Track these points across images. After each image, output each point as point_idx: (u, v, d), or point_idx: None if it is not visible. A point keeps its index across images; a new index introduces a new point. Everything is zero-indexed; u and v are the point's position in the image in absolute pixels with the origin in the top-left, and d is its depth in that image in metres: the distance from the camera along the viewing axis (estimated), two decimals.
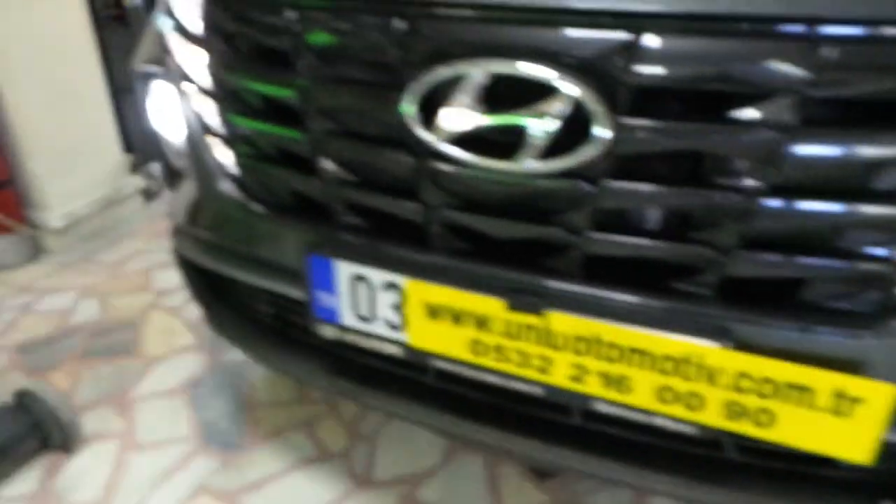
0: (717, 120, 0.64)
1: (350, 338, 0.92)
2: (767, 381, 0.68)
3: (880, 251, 0.65)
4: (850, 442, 0.68)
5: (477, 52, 0.69)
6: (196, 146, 1.02)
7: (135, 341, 1.68)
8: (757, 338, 0.69)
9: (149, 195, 2.50)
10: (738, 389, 0.70)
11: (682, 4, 0.61)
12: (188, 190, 1.09)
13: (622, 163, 0.67)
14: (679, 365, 0.72)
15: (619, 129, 0.65)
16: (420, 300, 0.83)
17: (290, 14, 0.80)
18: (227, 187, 0.99)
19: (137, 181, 2.42)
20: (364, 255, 0.85)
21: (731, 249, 0.68)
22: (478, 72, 0.69)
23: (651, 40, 0.62)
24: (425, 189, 0.78)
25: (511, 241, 0.78)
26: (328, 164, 0.85)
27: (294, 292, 0.96)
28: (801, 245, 0.67)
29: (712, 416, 0.73)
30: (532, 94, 0.67)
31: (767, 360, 0.68)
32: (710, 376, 0.71)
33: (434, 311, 0.83)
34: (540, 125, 0.68)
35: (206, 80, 0.93)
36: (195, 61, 0.95)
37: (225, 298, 1.19)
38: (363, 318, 0.89)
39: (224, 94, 0.91)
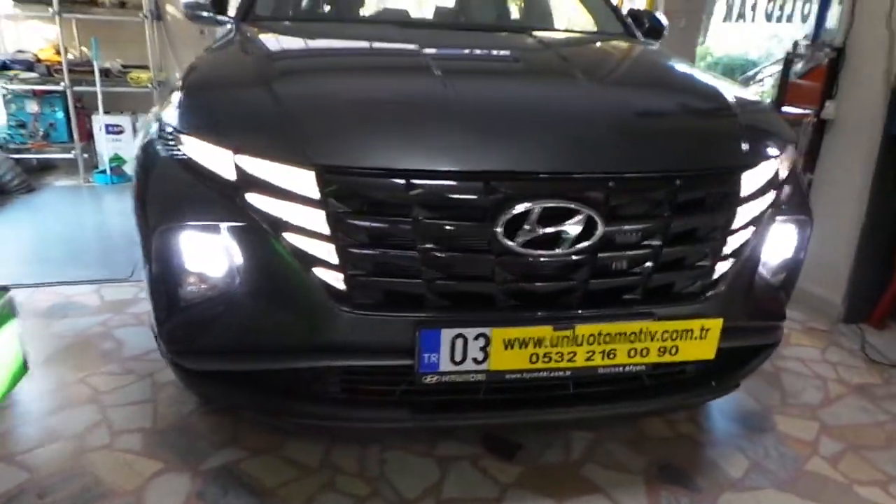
0: (643, 218, 1.40)
1: (445, 378, 1.40)
2: (675, 331, 1.45)
3: (703, 263, 1.49)
4: (707, 350, 1.49)
5: (535, 197, 1.32)
6: (283, 276, 1.36)
7: (95, 484, 1.67)
8: (666, 313, 1.46)
9: None
10: (663, 339, 1.46)
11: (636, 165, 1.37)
12: (257, 312, 1.39)
13: (604, 243, 1.38)
14: (637, 335, 1.44)
15: (605, 229, 1.36)
16: (500, 339, 1.38)
17: (400, 182, 1.30)
18: (328, 298, 1.36)
19: None
20: (461, 322, 1.36)
21: (650, 274, 1.44)
22: (538, 207, 1.32)
23: (617, 185, 1.35)
24: (500, 273, 1.36)
25: (549, 293, 1.41)
26: (431, 271, 1.35)
27: (394, 361, 1.39)
28: (678, 265, 1.48)
29: (653, 357, 1.47)
30: (559, 215, 1.33)
31: (673, 321, 1.45)
32: (651, 336, 1.45)
33: (508, 343, 1.38)
34: (572, 230, 1.34)
35: (320, 228, 1.31)
36: (302, 216, 1.32)
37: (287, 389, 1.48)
38: (456, 363, 1.38)
39: (343, 236, 1.31)
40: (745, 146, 1.53)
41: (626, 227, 1.41)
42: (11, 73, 4.82)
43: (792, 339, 2.72)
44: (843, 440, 2.01)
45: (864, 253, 2.81)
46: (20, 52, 5.02)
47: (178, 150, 1.45)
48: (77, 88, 4.83)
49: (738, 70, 7.54)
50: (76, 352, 2.37)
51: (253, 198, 1.35)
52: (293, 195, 1.33)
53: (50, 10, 4.71)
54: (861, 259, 2.82)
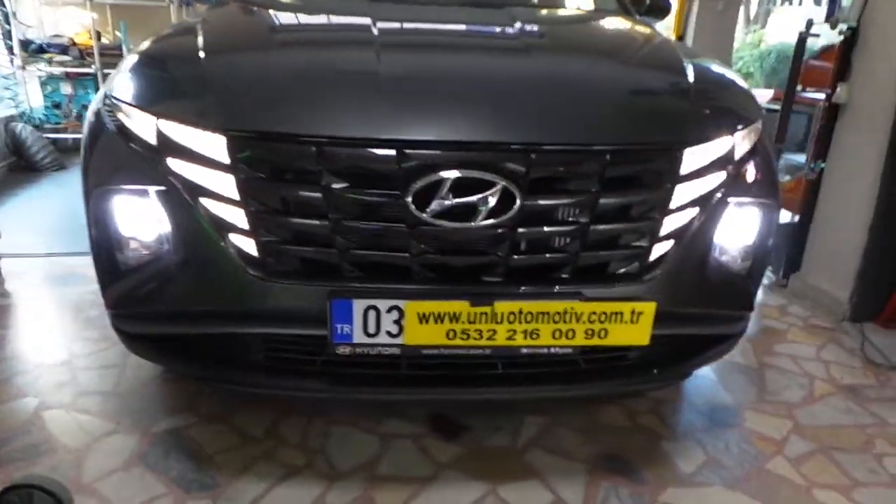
0: (567, 193, 1.35)
1: (359, 350, 1.38)
2: (603, 313, 1.39)
3: (638, 243, 1.42)
4: (640, 335, 1.42)
5: (448, 166, 1.28)
6: (201, 241, 1.37)
7: (45, 440, 1.74)
8: (594, 294, 1.41)
9: None
10: (591, 321, 1.40)
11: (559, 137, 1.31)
12: (180, 276, 1.41)
13: (525, 217, 1.33)
14: (562, 315, 1.39)
15: (524, 202, 1.31)
16: (414, 312, 1.35)
17: (310, 149, 1.28)
18: (242, 264, 1.36)
19: None
20: (373, 293, 1.34)
21: (578, 252, 1.39)
22: (449, 176, 1.28)
23: (539, 157, 1.30)
24: (415, 245, 1.33)
25: (467, 267, 1.37)
26: (343, 240, 1.33)
27: (308, 331, 1.38)
28: (608, 245, 1.41)
29: (580, 339, 1.41)
30: (476, 187, 1.29)
31: (602, 303, 1.39)
32: (577, 317, 1.39)
33: (423, 317, 1.36)
34: (486, 202, 1.30)
35: (232, 193, 1.32)
36: (216, 182, 1.32)
37: (211, 354, 1.50)
38: (370, 335, 1.37)
39: (254, 203, 1.32)
40: (689, 122, 1.45)
41: (547, 202, 1.35)
42: (47, 56, 5.05)
43: (789, 334, 2.58)
44: (816, 441, 1.89)
45: (874, 247, 2.64)
46: (56, 36, 5.26)
47: (115, 116, 1.48)
48: (107, 71, 5.01)
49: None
50: (63, 318, 2.47)
51: (173, 163, 1.36)
52: (208, 160, 1.33)
53: None
54: (871, 254, 2.65)
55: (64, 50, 5.08)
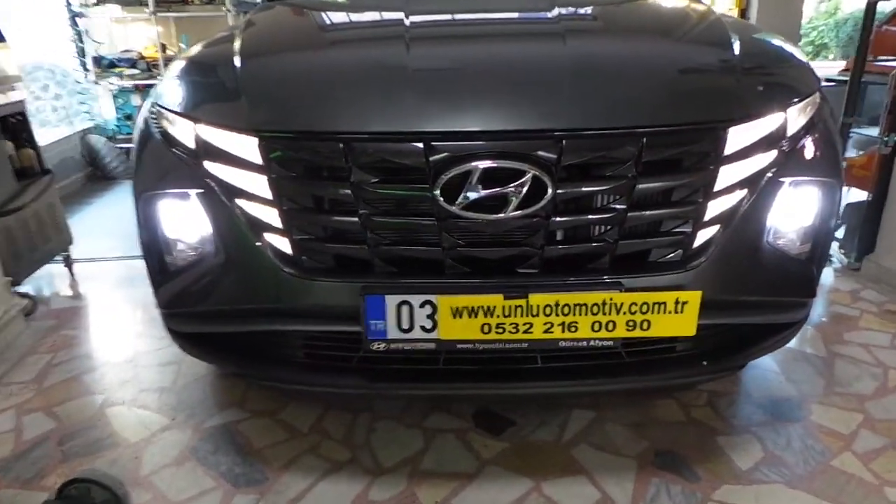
0: (602, 179, 1.30)
1: (394, 346, 1.38)
2: (645, 303, 1.34)
3: (680, 229, 1.36)
4: (685, 325, 1.36)
5: (476, 157, 1.26)
6: (239, 241, 1.40)
7: (109, 435, 1.83)
8: (635, 283, 1.35)
9: (28, 313, 2.50)
10: (632, 312, 1.34)
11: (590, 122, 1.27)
12: (220, 276, 1.45)
13: (558, 206, 1.29)
14: (601, 306, 1.34)
15: (556, 191, 1.27)
16: (447, 307, 1.33)
17: (339, 146, 1.28)
18: (277, 262, 1.38)
19: (18, 301, 2.42)
20: (405, 288, 1.33)
21: (616, 241, 1.33)
22: (477, 166, 1.26)
23: (570, 143, 1.26)
24: (446, 238, 1.31)
25: (500, 259, 1.35)
26: (374, 236, 1.33)
27: (344, 328, 1.39)
28: (648, 232, 1.35)
29: (621, 332, 1.36)
30: (507, 177, 1.26)
31: (643, 293, 1.33)
32: (617, 308, 1.34)
33: (457, 312, 1.34)
34: (517, 192, 1.27)
35: (266, 193, 1.34)
36: (251, 182, 1.35)
37: (258, 352, 1.53)
38: (404, 330, 1.36)
39: (287, 202, 1.34)
40: (732, 99, 1.37)
41: (581, 190, 1.31)
42: (118, 70, 5.32)
43: (861, 321, 2.41)
44: (889, 435, 1.75)
45: None
46: (126, 51, 5.53)
47: (159, 123, 1.53)
48: None
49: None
50: (130, 317, 2.60)
51: (211, 166, 1.40)
52: (243, 162, 1.36)
53: (146, 10, 5.13)
54: None
55: (133, 64, 5.33)
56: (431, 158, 1.27)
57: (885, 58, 2.70)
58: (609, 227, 1.34)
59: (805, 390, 1.97)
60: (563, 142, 1.27)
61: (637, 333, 1.36)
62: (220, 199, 1.40)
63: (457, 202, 1.28)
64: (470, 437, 1.77)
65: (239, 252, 1.42)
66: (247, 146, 1.35)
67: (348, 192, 1.30)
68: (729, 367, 1.56)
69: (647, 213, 1.34)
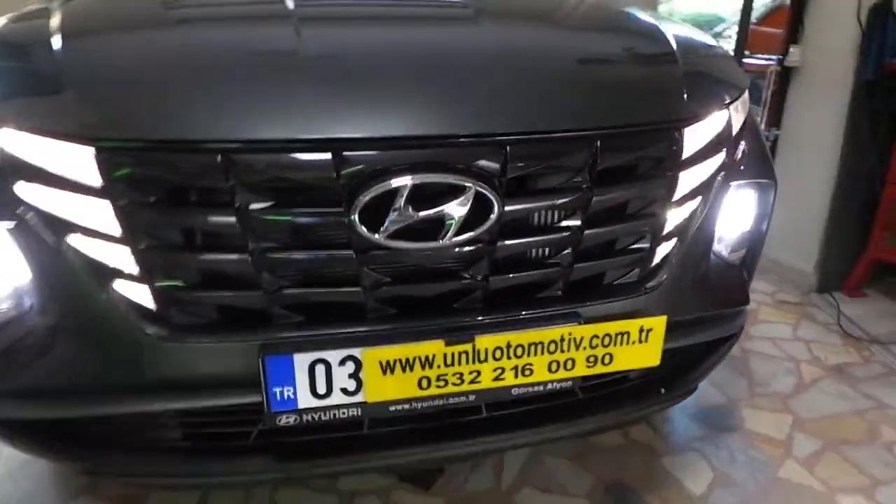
0: (553, 192, 1.07)
1: (307, 417, 1.06)
2: (607, 335, 1.13)
3: (639, 245, 1.17)
4: (649, 355, 1.17)
5: (403, 171, 0.97)
6: (75, 293, 1.01)
7: None
8: (593, 313, 1.14)
9: None
10: (592, 346, 1.14)
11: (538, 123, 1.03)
12: (47, 341, 1.04)
13: (505, 226, 1.04)
14: (559, 343, 1.11)
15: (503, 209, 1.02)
16: (374, 362, 1.04)
17: (216, 158, 0.94)
18: (134, 321, 1.01)
19: None
20: (319, 343, 1.02)
21: (571, 264, 1.11)
22: (406, 183, 0.97)
23: (516, 150, 1.01)
24: (367, 275, 1.02)
25: (437, 297, 1.07)
26: (271, 277, 1.00)
27: (237, 400, 1.05)
28: (605, 251, 1.15)
29: (581, 369, 1.14)
30: (441, 195, 0.99)
31: (604, 324, 1.13)
32: (577, 344, 1.12)
33: (387, 367, 1.05)
34: (456, 212, 1.00)
35: (110, 226, 0.96)
36: (87, 211, 0.96)
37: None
38: (320, 396, 1.05)
39: (143, 237, 0.96)
40: (686, 95, 1.20)
41: (531, 206, 1.07)
42: None
43: (760, 314, 2.44)
44: (821, 436, 1.72)
45: (837, 215, 2.53)
46: None
47: None
48: None
49: (706, 27, 7.25)
50: None
51: (24, 188, 0.99)
52: (73, 183, 0.96)
53: None
54: (834, 221, 2.54)
55: None
56: (344, 173, 0.97)
57: (760, 55, 2.77)
58: (563, 248, 1.12)
59: (732, 394, 1.91)
60: (508, 148, 1.02)
61: (599, 369, 1.16)
62: (42, 235, 0.99)
63: (381, 229, 0.98)
64: (396, 498, 1.49)
65: (76, 308, 1.02)
66: (78, 160, 0.95)
67: (232, 220, 0.96)
68: (685, 392, 1.41)
69: (605, 228, 1.13)
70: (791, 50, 2.53)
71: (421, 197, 0.99)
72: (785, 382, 1.98)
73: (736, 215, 1.37)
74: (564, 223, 1.10)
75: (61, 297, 1.03)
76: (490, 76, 1.08)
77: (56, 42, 1.06)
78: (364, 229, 0.97)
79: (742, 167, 1.35)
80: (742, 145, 1.35)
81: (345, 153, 0.96)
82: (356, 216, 0.97)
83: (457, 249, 1.03)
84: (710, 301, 1.36)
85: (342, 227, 0.98)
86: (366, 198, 0.96)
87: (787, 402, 1.88)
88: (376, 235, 0.98)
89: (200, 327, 1.03)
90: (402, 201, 0.97)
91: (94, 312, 1.02)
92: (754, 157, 1.40)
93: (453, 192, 1.00)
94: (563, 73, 1.16)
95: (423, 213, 0.98)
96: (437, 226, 1.01)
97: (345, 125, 0.98)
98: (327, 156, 0.96)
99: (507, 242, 1.06)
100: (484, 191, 1.00)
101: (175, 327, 1.02)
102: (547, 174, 1.08)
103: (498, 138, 1.03)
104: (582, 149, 1.07)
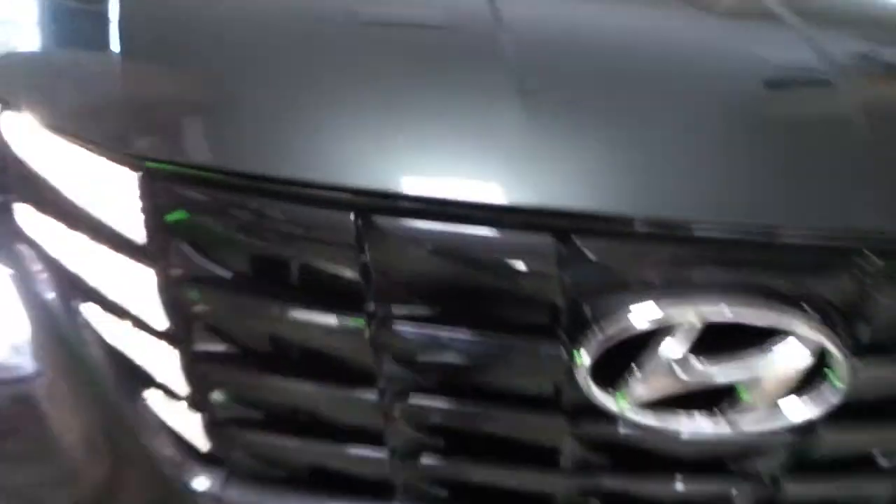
0: None
1: None
2: None
3: None
4: None
5: (686, 290, 0.51)
6: (83, 398, 0.60)
7: None
8: None
9: None
10: None
11: None
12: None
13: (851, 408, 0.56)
14: None
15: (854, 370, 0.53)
16: None
17: (345, 219, 0.50)
18: (172, 464, 0.60)
19: None
20: None
21: None
22: (692, 316, 0.50)
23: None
24: (583, 461, 0.56)
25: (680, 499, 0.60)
26: (410, 433, 0.56)
27: None
28: None
29: None
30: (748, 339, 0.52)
31: None
32: None
33: None
34: (769, 373, 0.52)
35: (151, 310, 0.55)
36: (118, 274, 0.55)
37: None
38: None
39: (205, 333, 0.54)
40: None
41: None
42: None
43: None
44: None
45: None
46: None
47: None
48: None
49: None
50: None
51: (29, 221, 0.59)
52: (98, 227, 0.56)
53: None
54: None
55: None
56: (577, 278, 0.51)
57: None
58: None
59: None
60: (862, 262, 0.53)
61: None
62: (45, 298, 0.59)
63: (625, 390, 0.52)
64: None
65: (81, 426, 0.62)
66: (113, 188, 0.54)
67: (359, 326, 0.53)
68: None
69: None
70: None
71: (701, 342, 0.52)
72: None
73: None
74: None
75: (58, 401, 0.62)
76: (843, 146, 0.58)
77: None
78: (595, 388, 0.51)
79: None
80: None
81: (580, 238, 0.51)
82: (587, 361, 0.51)
83: (764, 438, 0.56)
84: None
85: (556, 372, 0.52)
86: (611, 330, 0.50)
87: None
88: (624, 404, 0.52)
89: (276, 487, 0.61)
90: (686, 345, 0.50)
91: (110, 440, 0.61)
92: None
93: (760, 336, 0.52)
94: None
95: (720, 372, 0.51)
96: (714, 396, 0.54)
97: (570, 194, 0.52)
98: (544, 239, 0.50)
99: (839, 427, 0.57)
100: (824, 339, 0.52)
101: (236, 482, 0.60)
102: None
103: (842, 245, 0.54)
104: None
